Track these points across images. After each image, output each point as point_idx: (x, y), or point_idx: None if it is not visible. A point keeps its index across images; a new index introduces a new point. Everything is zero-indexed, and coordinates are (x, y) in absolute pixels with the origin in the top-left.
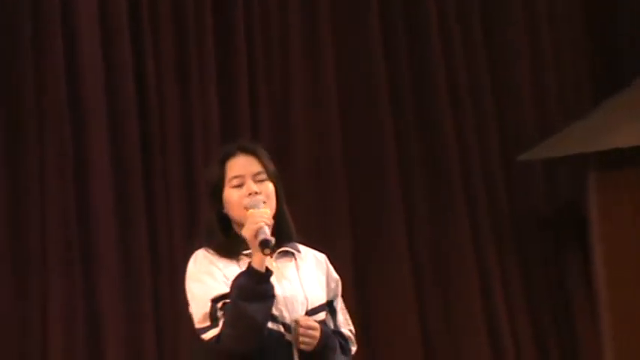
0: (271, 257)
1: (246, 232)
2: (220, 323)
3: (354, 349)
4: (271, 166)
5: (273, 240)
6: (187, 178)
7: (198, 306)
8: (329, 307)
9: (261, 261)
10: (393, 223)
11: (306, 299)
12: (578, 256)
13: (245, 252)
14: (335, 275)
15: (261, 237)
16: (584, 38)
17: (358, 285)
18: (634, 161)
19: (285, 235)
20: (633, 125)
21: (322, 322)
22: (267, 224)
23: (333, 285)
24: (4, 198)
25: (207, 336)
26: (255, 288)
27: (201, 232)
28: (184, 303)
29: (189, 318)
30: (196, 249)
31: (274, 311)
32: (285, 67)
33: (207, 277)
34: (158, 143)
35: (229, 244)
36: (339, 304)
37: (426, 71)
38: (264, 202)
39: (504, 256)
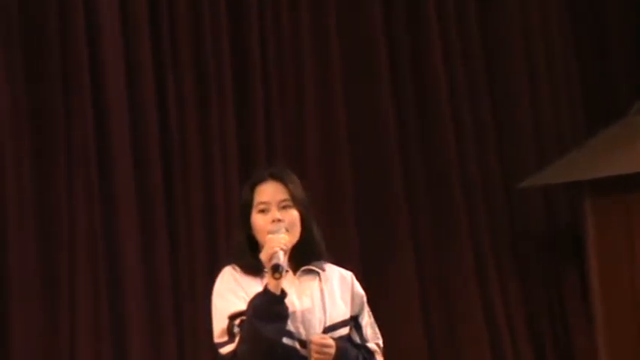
0: (279, 279)
1: (263, 256)
2: (237, 339)
3: None
4: (299, 193)
5: (284, 265)
6: (207, 202)
7: (218, 321)
8: (354, 322)
9: (276, 283)
10: (401, 246)
11: (325, 316)
12: (574, 275)
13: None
14: (360, 291)
15: (273, 262)
16: (578, 76)
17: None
18: (625, 187)
19: (311, 254)
20: (623, 155)
21: (343, 338)
22: (282, 249)
23: (357, 301)
24: (34, 222)
25: (224, 350)
26: (269, 308)
27: (230, 251)
28: (207, 317)
29: (211, 332)
30: (224, 266)
31: (291, 327)
32: (299, 96)
33: (230, 294)
34: (179, 169)
35: (254, 263)
36: (365, 319)
37: (432, 109)
38: (287, 230)
39: (505, 276)
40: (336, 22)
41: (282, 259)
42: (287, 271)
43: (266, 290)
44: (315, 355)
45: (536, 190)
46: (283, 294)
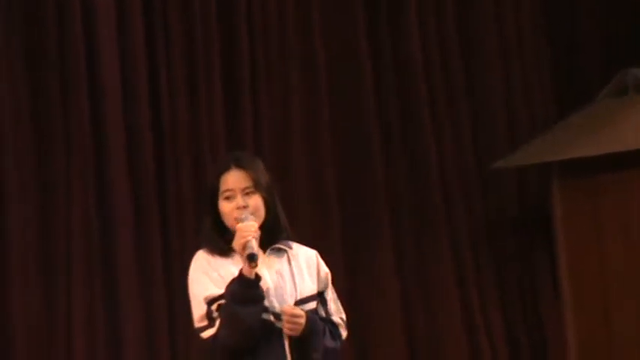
0: (255, 267)
1: (235, 245)
2: (216, 323)
3: (344, 334)
4: (263, 179)
5: (259, 253)
6: (196, 191)
7: (196, 307)
8: (320, 297)
9: (252, 268)
10: (380, 225)
11: (295, 291)
12: (544, 253)
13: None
14: (325, 269)
15: (247, 251)
16: (549, 64)
17: (349, 283)
18: (591, 169)
19: (278, 234)
20: (590, 138)
21: (312, 311)
22: (254, 237)
23: (323, 277)
24: (35, 213)
25: (205, 334)
26: (245, 292)
27: (200, 236)
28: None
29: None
30: (196, 251)
31: (266, 302)
32: (285, 93)
33: (204, 277)
34: (171, 161)
35: (223, 245)
36: (330, 295)
37: (411, 97)
38: (252, 214)
39: (479, 254)
40: (320, 20)
41: (256, 247)
42: (254, 259)
43: (241, 276)
44: (287, 325)
45: (509, 171)
46: (258, 278)
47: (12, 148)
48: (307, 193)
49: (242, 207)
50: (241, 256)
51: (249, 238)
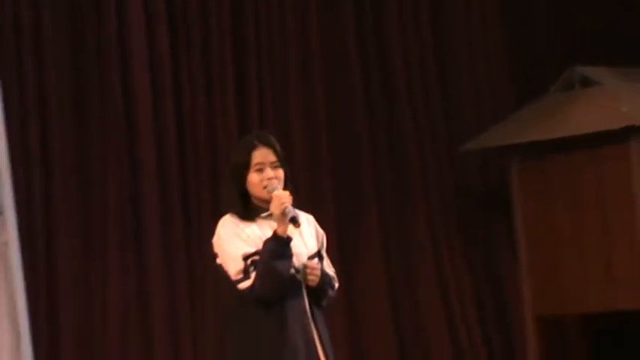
0: (299, 226)
1: (273, 209)
2: (252, 276)
3: (336, 285)
4: (283, 156)
5: (299, 215)
6: (214, 176)
7: (234, 263)
8: (318, 254)
9: (285, 230)
10: (367, 196)
11: (307, 248)
12: (504, 222)
13: (262, 215)
14: (321, 231)
15: (290, 215)
16: (510, 62)
17: (342, 251)
18: (544, 150)
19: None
20: (543, 125)
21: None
22: (290, 203)
23: (320, 238)
24: (76, 194)
25: (242, 286)
26: (281, 250)
27: (225, 204)
28: (211, 255)
29: (216, 266)
30: (220, 216)
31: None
32: (283, 88)
33: (236, 238)
34: (190, 145)
35: (249, 211)
36: (324, 254)
37: (391, 83)
38: (278, 184)
39: (449, 222)
40: (317, 20)
41: (294, 211)
42: (297, 220)
43: (276, 235)
44: (310, 277)
45: (475, 152)
46: (289, 238)
47: (58, 131)
48: (304, 167)
49: (271, 178)
50: (279, 218)
51: (287, 204)
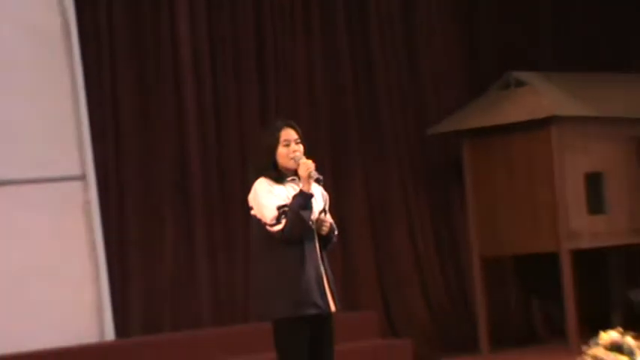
0: (322, 184)
1: (302, 173)
2: (282, 222)
3: (336, 232)
4: (301, 134)
5: (321, 177)
6: (240, 144)
7: (269, 211)
8: (324, 211)
9: (309, 188)
10: (355, 167)
11: (318, 205)
12: (458, 186)
13: (287, 179)
14: (325, 193)
15: (315, 176)
16: (464, 68)
17: (337, 206)
18: (487, 134)
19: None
20: (486, 115)
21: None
22: (314, 168)
23: (325, 198)
24: (139, 162)
25: (275, 228)
26: (305, 202)
27: (257, 169)
28: (244, 207)
29: (250, 216)
30: (253, 178)
31: None
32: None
33: (270, 195)
34: (223, 123)
35: (278, 176)
36: (327, 208)
37: (371, 75)
38: (301, 155)
39: (418, 189)
40: (318, 27)
41: (316, 174)
42: (321, 181)
43: (302, 192)
44: (323, 228)
45: (437, 135)
46: (311, 194)
47: (126, 115)
48: (306, 140)
49: (296, 151)
50: (305, 180)
51: (312, 169)
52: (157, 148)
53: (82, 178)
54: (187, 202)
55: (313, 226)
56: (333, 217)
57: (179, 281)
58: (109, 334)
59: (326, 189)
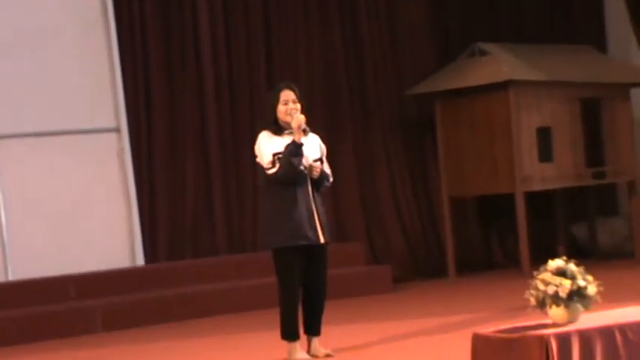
0: (308, 133)
1: (294, 125)
2: (277, 166)
3: (331, 179)
4: (299, 95)
5: (309, 129)
6: (251, 103)
7: (266, 157)
8: (320, 160)
9: (300, 138)
10: (345, 128)
11: (312, 155)
12: (431, 140)
13: (285, 132)
14: (323, 145)
15: (303, 127)
16: (435, 40)
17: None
18: (455, 95)
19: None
20: (454, 79)
21: (321, 166)
22: (305, 121)
23: (322, 149)
24: (166, 116)
25: (270, 171)
26: (296, 150)
27: (262, 124)
28: (251, 155)
29: (256, 163)
30: (259, 131)
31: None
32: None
33: (269, 144)
34: (237, 89)
35: (278, 129)
36: (324, 160)
37: (358, 47)
38: (297, 112)
39: (397, 142)
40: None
41: (306, 126)
42: (307, 131)
43: (294, 141)
44: (313, 172)
45: (413, 96)
46: (302, 144)
47: (155, 74)
48: (305, 101)
49: (293, 108)
50: (296, 131)
51: (302, 122)
52: (181, 105)
53: (117, 130)
54: (206, 150)
55: (306, 171)
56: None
57: (198, 217)
58: (140, 261)
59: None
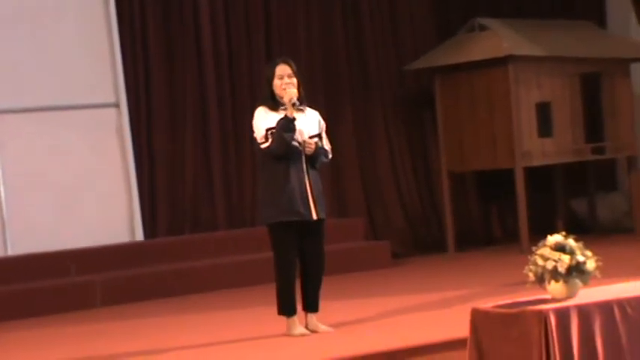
0: (297, 111)
1: (286, 99)
2: (269, 140)
3: (330, 156)
4: (295, 70)
5: (298, 103)
6: (250, 79)
7: (259, 132)
8: (319, 136)
9: (292, 113)
10: (344, 100)
11: (308, 131)
12: (430, 115)
13: (281, 108)
14: (322, 122)
15: (293, 101)
16: (435, 15)
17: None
18: (455, 70)
19: (301, 101)
20: (454, 54)
21: (316, 142)
22: (296, 96)
23: (322, 126)
24: (165, 92)
25: (263, 146)
26: (287, 125)
27: (259, 99)
28: (249, 130)
29: (253, 138)
30: (257, 106)
31: (297, 135)
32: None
33: (263, 120)
34: (236, 66)
35: (274, 104)
36: (323, 136)
37: (357, 21)
38: (293, 87)
39: (397, 117)
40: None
41: (297, 101)
42: (297, 106)
43: (286, 116)
44: (307, 148)
45: (412, 71)
46: (294, 119)
47: (154, 51)
48: (306, 80)
49: (288, 83)
50: (288, 105)
51: (293, 96)
52: (180, 81)
53: (116, 105)
54: (205, 125)
55: (300, 148)
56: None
57: (197, 192)
58: (139, 236)
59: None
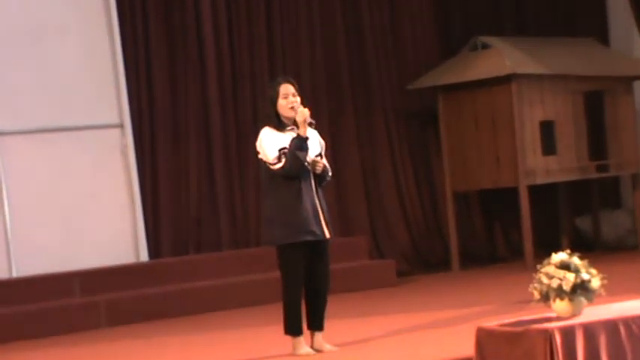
0: (315, 127)
1: (299, 118)
2: (282, 161)
3: (330, 174)
4: (297, 88)
5: (314, 122)
6: (253, 100)
7: (272, 152)
8: (320, 155)
9: (305, 132)
10: (346, 113)
11: (314, 149)
12: (434, 131)
13: (287, 128)
14: (322, 141)
15: (309, 121)
16: (438, 34)
17: (333, 150)
18: (458, 89)
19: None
20: (457, 73)
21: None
22: (309, 114)
23: (322, 145)
24: (169, 111)
25: (276, 167)
26: (301, 144)
27: (264, 119)
28: (253, 151)
29: (258, 159)
30: (260, 128)
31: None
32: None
33: (272, 140)
34: (239, 71)
35: (279, 124)
36: (323, 155)
37: (360, 39)
38: (300, 105)
39: (400, 134)
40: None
41: (311, 120)
42: (313, 125)
43: (299, 135)
44: (317, 168)
45: (415, 90)
46: (307, 138)
47: (157, 73)
48: (308, 94)
49: (294, 102)
50: (302, 125)
51: (307, 115)
52: (182, 101)
53: (121, 126)
54: (208, 145)
55: (309, 167)
56: (328, 160)
57: (201, 212)
58: (144, 256)
59: (323, 135)
